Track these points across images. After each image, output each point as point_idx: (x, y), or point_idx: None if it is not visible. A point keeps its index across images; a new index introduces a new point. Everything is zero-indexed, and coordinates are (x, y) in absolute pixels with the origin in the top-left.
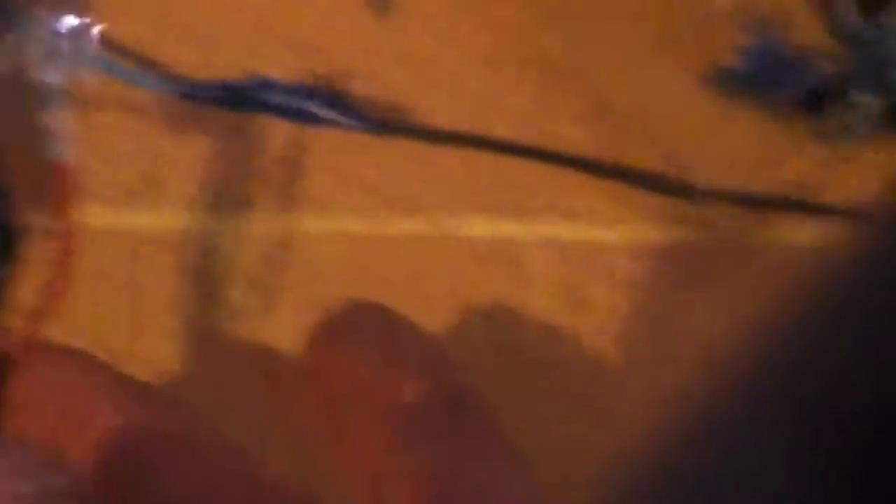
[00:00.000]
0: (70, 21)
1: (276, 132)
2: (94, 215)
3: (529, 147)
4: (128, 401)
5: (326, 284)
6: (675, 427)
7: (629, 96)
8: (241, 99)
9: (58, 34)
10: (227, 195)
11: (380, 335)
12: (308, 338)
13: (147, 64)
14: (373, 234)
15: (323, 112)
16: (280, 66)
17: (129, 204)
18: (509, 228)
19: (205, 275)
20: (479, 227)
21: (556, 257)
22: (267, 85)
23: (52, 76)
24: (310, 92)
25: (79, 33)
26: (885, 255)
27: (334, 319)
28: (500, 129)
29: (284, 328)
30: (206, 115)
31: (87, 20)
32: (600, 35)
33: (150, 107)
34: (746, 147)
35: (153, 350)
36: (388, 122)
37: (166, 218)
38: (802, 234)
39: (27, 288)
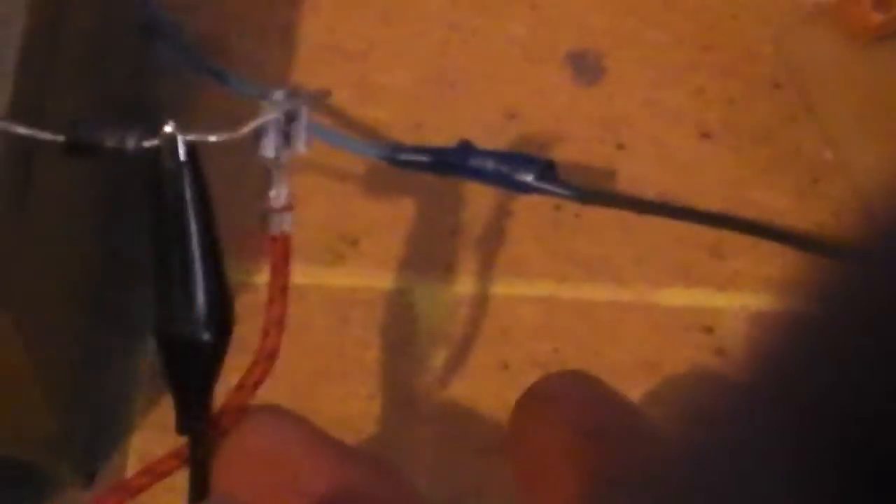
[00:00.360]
0: (284, 95)
1: (480, 196)
2: (298, 274)
3: (734, 218)
4: (337, 463)
5: (520, 347)
6: (676, 430)
7: (844, 172)
8: (447, 165)
9: (276, 109)
10: (428, 257)
11: (582, 403)
12: (515, 405)
13: (353, 127)
14: (571, 300)
15: (529, 180)
16: (486, 131)
17: (332, 264)
18: (707, 297)
19: (402, 334)
20: (679, 296)
21: (752, 326)
22: (474, 152)
23: (271, 150)
24: (516, 160)
25: (295, 106)
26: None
27: (538, 387)
28: (707, 199)
29: (478, 388)
30: (409, 177)
31: (302, 93)
32: (817, 107)
33: (354, 169)
34: None
35: (352, 408)
36: (593, 192)
37: (367, 278)
38: None
39: (238, 347)
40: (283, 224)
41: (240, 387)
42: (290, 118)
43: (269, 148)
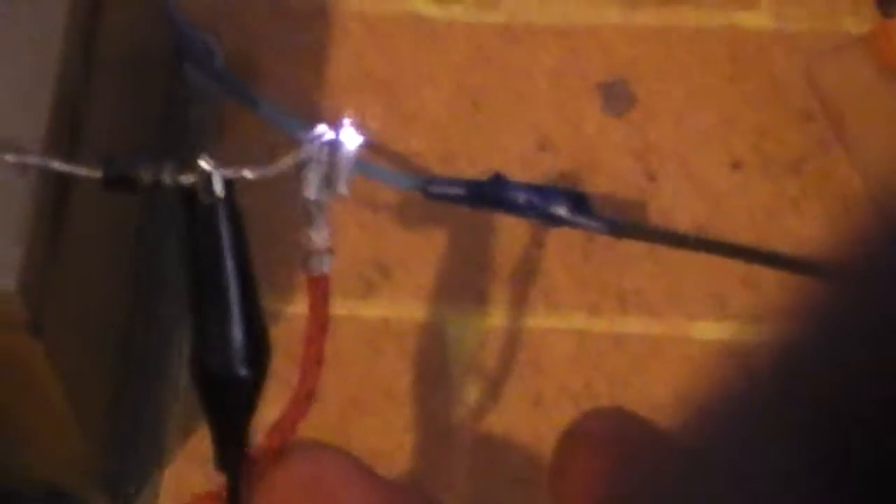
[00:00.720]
0: (325, 132)
1: (515, 228)
2: (333, 305)
3: (766, 252)
4: (377, 495)
5: (553, 380)
6: (678, 430)
7: (874, 201)
8: (481, 198)
9: (319, 148)
10: (461, 289)
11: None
12: (557, 443)
13: (385, 156)
14: (605, 333)
15: (563, 213)
16: (518, 161)
17: (365, 294)
18: (741, 331)
19: (435, 366)
20: (712, 329)
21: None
22: (507, 185)
23: (313, 192)
24: (550, 193)
25: (336, 148)
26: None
27: (579, 425)
28: (742, 231)
29: (511, 421)
30: (441, 208)
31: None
32: (848, 137)
33: (387, 199)
34: None
35: (387, 440)
36: (626, 225)
37: (400, 309)
38: None
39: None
40: (323, 265)
41: (278, 427)
42: (331, 158)
43: (310, 190)
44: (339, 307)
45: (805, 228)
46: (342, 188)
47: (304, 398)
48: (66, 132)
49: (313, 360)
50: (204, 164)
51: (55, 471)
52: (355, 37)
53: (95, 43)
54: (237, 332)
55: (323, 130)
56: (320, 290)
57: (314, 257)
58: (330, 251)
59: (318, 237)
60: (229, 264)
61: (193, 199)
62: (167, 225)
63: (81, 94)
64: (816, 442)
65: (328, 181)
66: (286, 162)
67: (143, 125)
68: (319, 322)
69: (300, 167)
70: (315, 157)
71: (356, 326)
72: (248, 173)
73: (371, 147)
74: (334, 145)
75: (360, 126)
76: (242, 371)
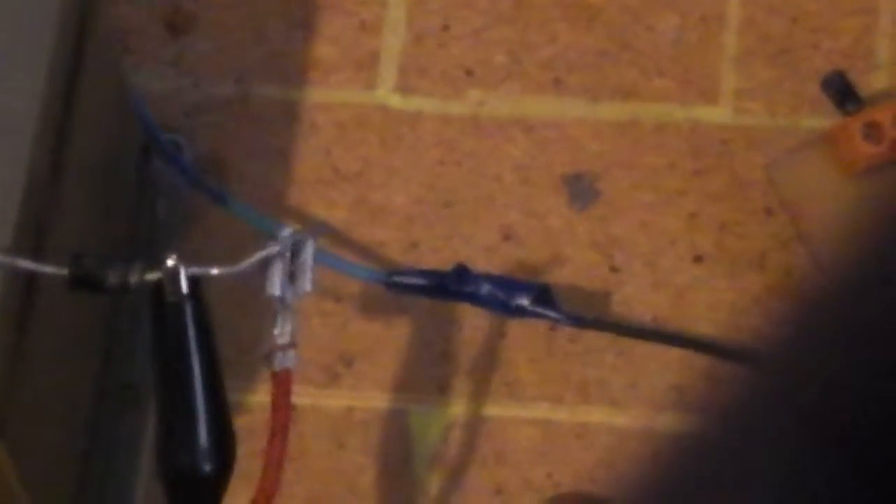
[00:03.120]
0: (288, 233)
1: (474, 317)
2: (296, 394)
3: (726, 346)
4: None
5: (515, 471)
6: (675, 432)
7: None
8: (443, 289)
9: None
10: (424, 379)
11: None
12: None
13: (350, 247)
14: (567, 423)
15: (525, 304)
16: (482, 252)
17: (328, 384)
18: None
19: (398, 457)
20: (675, 421)
21: None
22: (470, 276)
23: (276, 289)
24: (512, 284)
25: (300, 245)
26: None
27: None
28: (700, 323)
29: None
30: (407, 299)
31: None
32: (809, 235)
33: (350, 289)
34: None
35: None
36: (588, 318)
37: (363, 399)
38: None
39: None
40: (287, 361)
41: None
42: (295, 255)
43: (274, 286)
44: (303, 396)
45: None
46: (306, 285)
47: (266, 499)
48: (34, 234)
49: (275, 462)
50: (170, 261)
51: None
52: (323, 132)
53: (65, 142)
54: (202, 430)
55: (288, 230)
56: (283, 387)
57: (277, 353)
58: (293, 347)
59: (281, 333)
60: (196, 361)
61: (160, 296)
62: (137, 322)
63: (49, 196)
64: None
65: (292, 277)
66: (252, 261)
67: (110, 221)
68: (282, 419)
69: (265, 264)
70: (280, 254)
71: (320, 416)
72: (214, 271)
73: (335, 237)
74: (299, 244)
75: (326, 219)
76: (207, 467)
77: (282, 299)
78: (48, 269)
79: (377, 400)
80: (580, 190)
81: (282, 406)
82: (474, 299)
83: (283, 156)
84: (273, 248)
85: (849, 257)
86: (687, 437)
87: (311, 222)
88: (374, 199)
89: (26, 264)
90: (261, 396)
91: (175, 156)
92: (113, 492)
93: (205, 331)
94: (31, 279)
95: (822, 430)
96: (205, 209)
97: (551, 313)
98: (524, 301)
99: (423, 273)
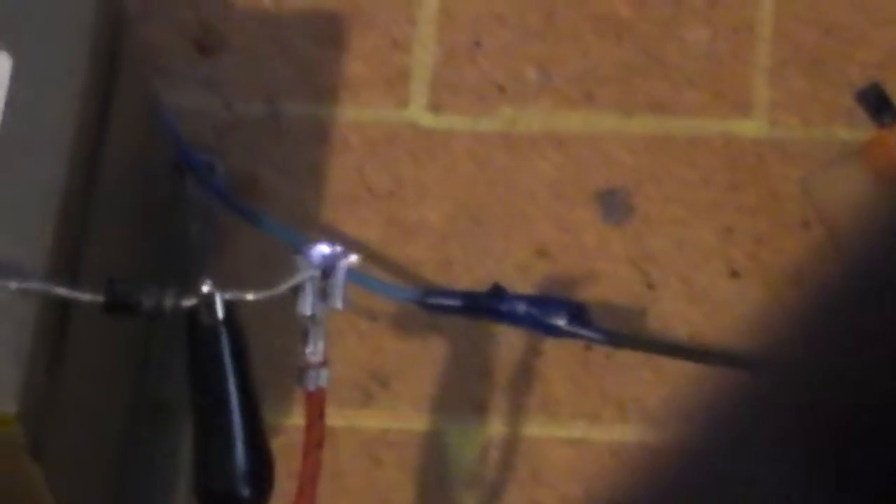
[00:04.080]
0: (324, 251)
1: (513, 337)
2: (331, 415)
3: (764, 364)
4: None
5: (552, 490)
6: (673, 432)
7: None
8: (478, 309)
9: (312, 267)
10: (460, 398)
11: None
12: None
13: (384, 266)
14: (603, 441)
15: (561, 324)
16: (516, 270)
17: (363, 404)
18: None
19: (434, 476)
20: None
21: None
22: (505, 296)
23: (308, 308)
24: (548, 303)
25: (333, 262)
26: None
27: None
28: (740, 340)
29: None
30: (441, 318)
31: (339, 248)
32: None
33: (385, 308)
34: None
35: None
36: (624, 336)
37: (399, 419)
38: None
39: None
40: (320, 380)
41: None
42: (327, 274)
43: (306, 306)
44: (338, 417)
45: None
46: (338, 303)
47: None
48: (68, 257)
49: (309, 478)
50: (205, 287)
51: None
52: (355, 150)
53: (98, 166)
54: (240, 453)
55: (320, 250)
56: (316, 406)
57: (310, 372)
58: (325, 365)
59: (314, 352)
60: (232, 385)
61: (195, 321)
62: (172, 344)
63: (83, 219)
64: (811, 443)
65: (324, 295)
66: (287, 285)
67: (143, 243)
68: (316, 438)
69: (300, 288)
70: (312, 275)
71: (355, 437)
72: (249, 296)
73: (368, 256)
74: (331, 263)
75: (359, 239)
76: (245, 491)
77: (313, 317)
78: (84, 296)
79: (413, 420)
80: (614, 205)
81: (316, 424)
82: (510, 319)
83: (315, 174)
84: (309, 273)
85: (879, 262)
86: (687, 445)
87: (344, 241)
88: (406, 217)
89: (62, 291)
90: (295, 419)
91: (208, 176)
92: None
93: (241, 355)
94: (65, 305)
95: (821, 430)
96: (237, 228)
97: (587, 332)
98: (560, 321)
99: (457, 294)
